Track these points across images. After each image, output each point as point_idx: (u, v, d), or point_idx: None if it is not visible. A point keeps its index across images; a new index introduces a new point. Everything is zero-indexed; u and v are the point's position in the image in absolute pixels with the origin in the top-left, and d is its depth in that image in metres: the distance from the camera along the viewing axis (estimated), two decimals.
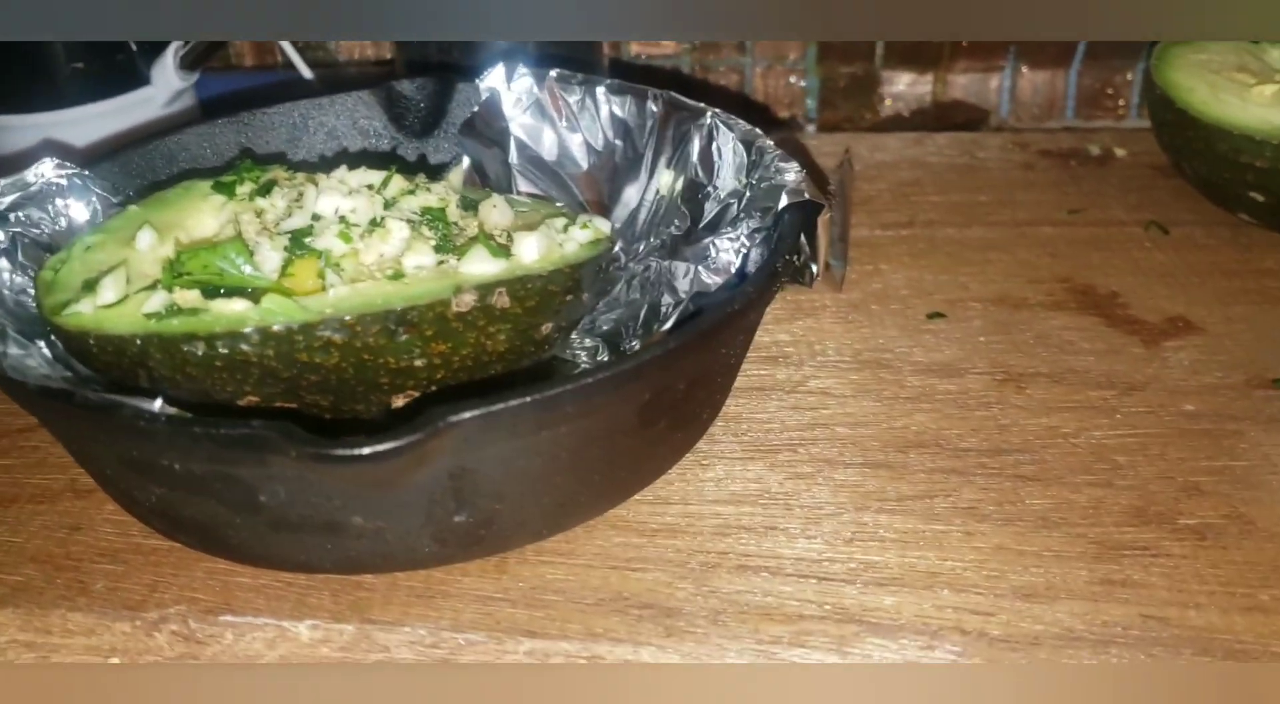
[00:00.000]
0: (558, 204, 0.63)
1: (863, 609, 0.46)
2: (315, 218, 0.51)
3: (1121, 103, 0.95)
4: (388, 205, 0.52)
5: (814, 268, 0.60)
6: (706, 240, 0.57)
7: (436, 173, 0.65)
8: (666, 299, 0.60)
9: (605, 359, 0.60)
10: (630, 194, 0.66)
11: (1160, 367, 0.60)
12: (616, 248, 0.66)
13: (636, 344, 0.59)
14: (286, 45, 0.92)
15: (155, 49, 0.79)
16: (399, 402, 0.50)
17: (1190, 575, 0.47)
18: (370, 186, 0.53)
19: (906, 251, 0.72)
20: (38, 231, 0.56)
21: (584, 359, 0.60)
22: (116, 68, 0.78)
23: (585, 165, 0.67)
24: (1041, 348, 0.62)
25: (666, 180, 0.64)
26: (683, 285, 0.59)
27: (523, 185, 0.67)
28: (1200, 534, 0.49)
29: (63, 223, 0.57)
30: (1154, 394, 0.58)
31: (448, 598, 0.48)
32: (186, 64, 0.80)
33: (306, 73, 0.92)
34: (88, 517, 0.53)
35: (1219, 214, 0.75)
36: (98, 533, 0.52)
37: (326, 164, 0.61)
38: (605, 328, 0.62)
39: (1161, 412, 0.57)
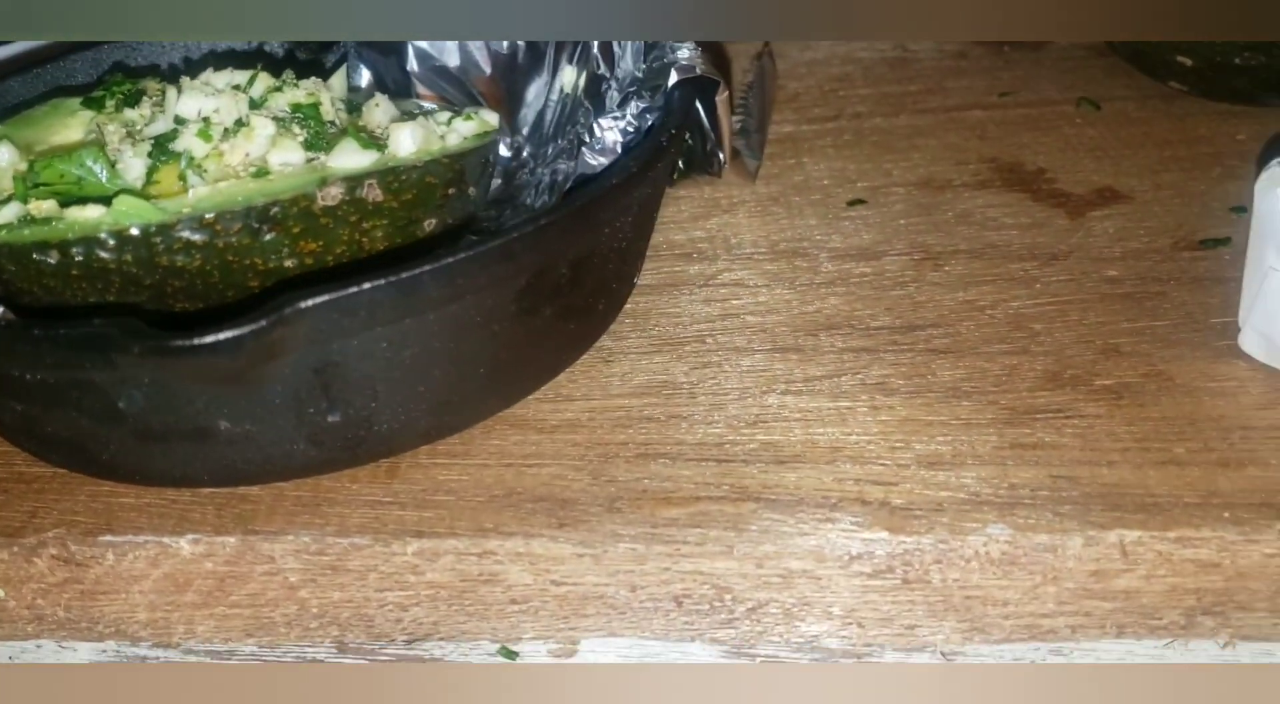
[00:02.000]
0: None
1: (762, 487, 0.45)
2: (179, 121, 0.49)
3: None
4: (254, 104, 0.50)
5: (721, 155, 0.57)
6: (592, 123, 0.55)
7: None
8: None
9: None
10: (534, 97, 0.64)
11: (1084, 236, 0.58)
12: (525, 153, 0.64)
13: None
14: None
15: None
16: None
17: (1104, 434, 0.45)
18: (237, 87, 0.51)
19: (831, 143, 0.70)
20: None
21: None
22: None
23: (489, 69, 0.64)
24: (963, 226, 0.60)
25: (569, 77, 0.62)
26: None
27: (424, 93, 0.65)
28: (1117, 394, 0.47)
29: None
30: (1076, 262, 0.56)
31: (334, 505, 0.46)
32: None
33: None
34: None
35: (1153, 87, 0.72)
36: None
37: (192, 68, 0.59)
38: None
39: (1083, 279, 0.54)
